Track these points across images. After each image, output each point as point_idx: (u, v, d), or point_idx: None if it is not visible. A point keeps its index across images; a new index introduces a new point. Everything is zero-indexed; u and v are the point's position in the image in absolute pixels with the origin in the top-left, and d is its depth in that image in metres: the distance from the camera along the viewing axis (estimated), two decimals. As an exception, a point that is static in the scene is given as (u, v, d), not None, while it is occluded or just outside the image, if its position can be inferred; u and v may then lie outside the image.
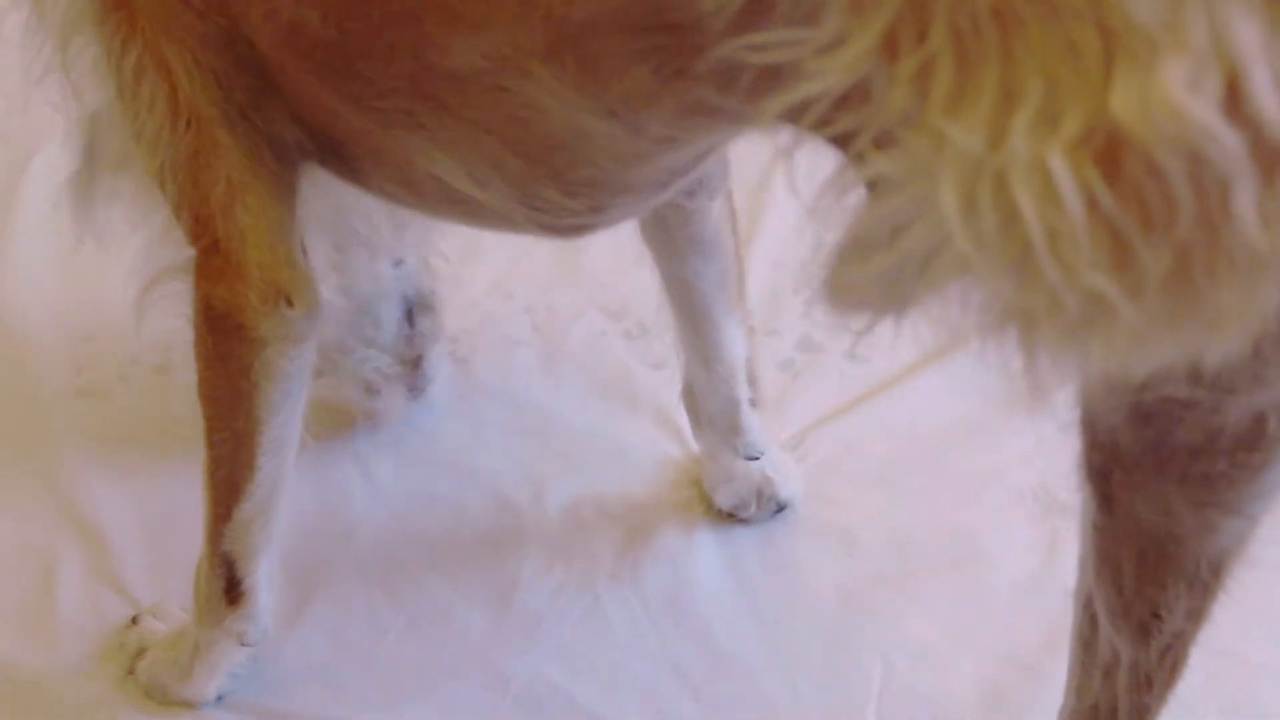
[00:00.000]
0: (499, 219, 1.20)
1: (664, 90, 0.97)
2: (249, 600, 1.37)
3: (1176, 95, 0.63)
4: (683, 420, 1.63)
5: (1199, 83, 0.63)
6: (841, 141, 0.81)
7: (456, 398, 1.76)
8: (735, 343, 1.51)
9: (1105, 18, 0.64)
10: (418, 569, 1.55)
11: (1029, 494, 1.56)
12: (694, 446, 1.63)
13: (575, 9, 0.95)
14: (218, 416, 1.28)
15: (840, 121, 0.75)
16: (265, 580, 1.37)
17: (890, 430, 1.69)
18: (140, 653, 1.45)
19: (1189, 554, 0.97)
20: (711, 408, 1.55)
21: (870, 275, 0.73)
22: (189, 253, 1.24)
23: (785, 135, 0.88)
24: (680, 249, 1.45)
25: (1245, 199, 0.64)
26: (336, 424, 1.67)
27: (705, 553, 1.56)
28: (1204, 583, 0.99)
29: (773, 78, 0.78)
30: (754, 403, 1.55)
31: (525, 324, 1.86)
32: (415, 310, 1.68)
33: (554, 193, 1.13)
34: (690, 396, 1.56)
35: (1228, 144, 0.63)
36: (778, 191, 1.95)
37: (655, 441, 1.69)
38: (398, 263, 1.62)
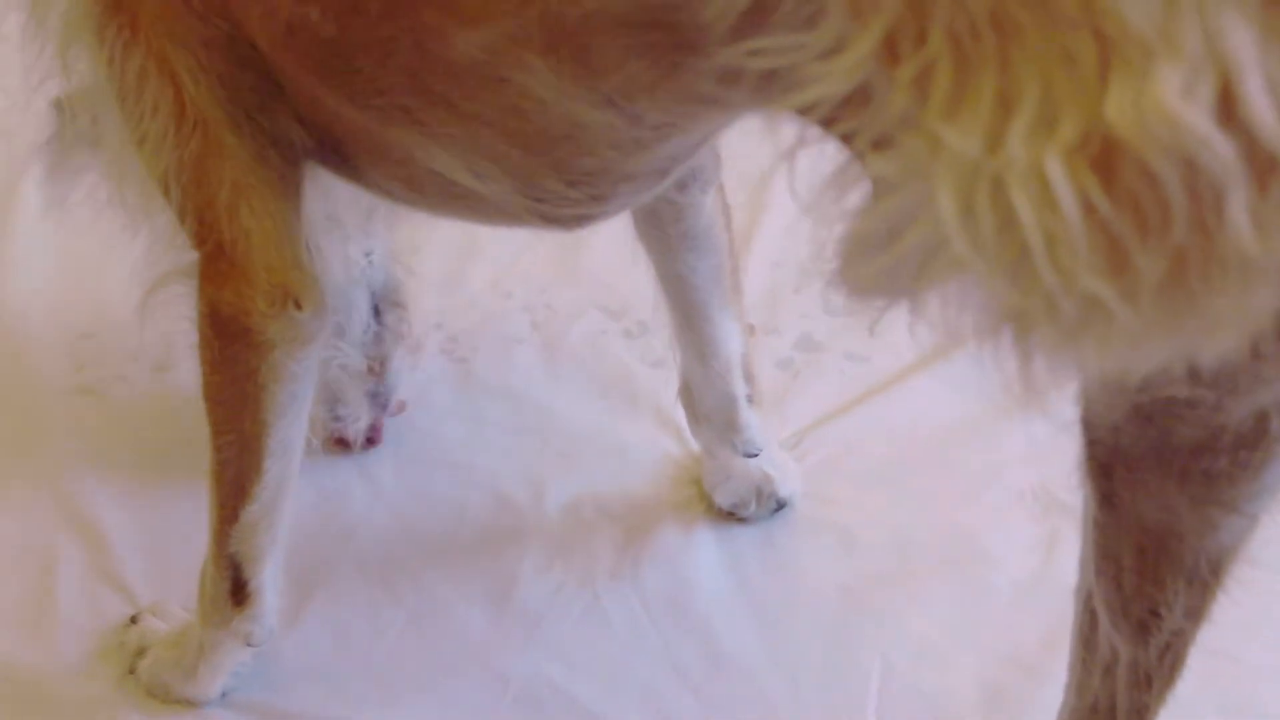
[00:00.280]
0: (500, 212, 1.20)
1: (661, 82, 0.98)
2: (255, 601, 1.36)
3: (1171, 102, 0.63)
4: (682, 419, 1.63)
5: (1193, 89, 0.63)
6: (846, 139, 0.82)
7: (456, 396, 1.76)
8: (731, 338, 1.51)
9: (1101, 25, 0.65)
10: (417, 568, 1.55)
11: (1029, 493, 1.56)
12: (694, 445, 1.63)
13: (574, 5, 0.95)
14: (224, 419, 1.28)
15: (843, 121, 0.76)
16: (271, 581, 1.36)
17: (890, 429, 1.69)
18: (141, 652, 1.44)
19: (1189, 552, 0.97)
20: (708, 404, 1.54)
21: (874, 271, 0.74)
22: (192, 256, 1.24)
23: (790, 130, 0.89)
24: (674, 244, 1.45)
25: (1238, 204, 0.64)
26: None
27: (705, 552, 1.56)
28: (1203, 581, 0.99)
29: (776, 76, 0.79)
30: (751, 399, 1.55)
31: (525, 322, 1.86)
32: (381, 305, 1.66)
33: (555, 183, 1.14)
34: (687, 393, 1.56)
35: (1221, 150, 0.64)
36: (777, 190, 1.94)
37: (655, 440, 1.69)
38: (367, 254, 1.61)
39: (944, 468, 1.64)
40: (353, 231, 1.55)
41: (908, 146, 0.71)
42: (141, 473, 1.65)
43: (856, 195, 0.80)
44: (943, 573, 1.53)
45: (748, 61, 0.79)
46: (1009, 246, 0.67)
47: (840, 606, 1.50)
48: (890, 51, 0.70)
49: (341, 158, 1.22)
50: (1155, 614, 1.01)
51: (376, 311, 1.66)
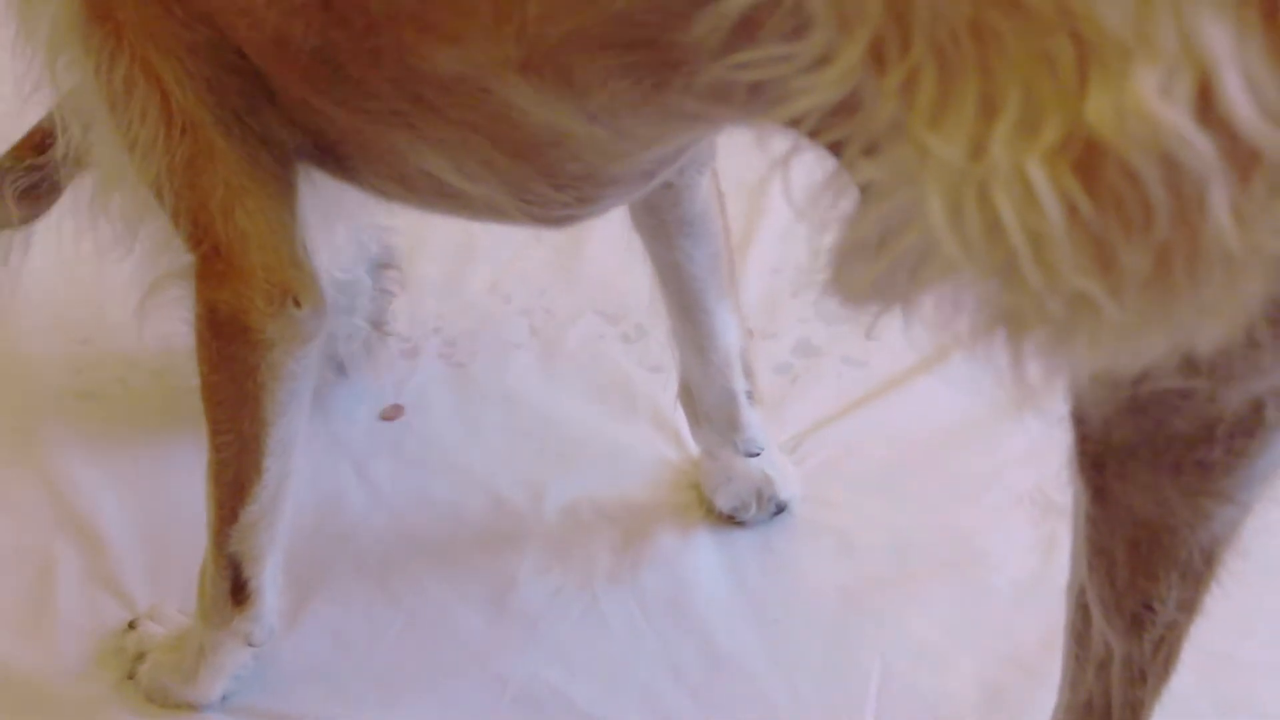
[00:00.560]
0: (491, 211, 1.21)
1: (646, 101, 1.00)
2: (256, 601, 1.37)
3: (1149, 102, 0.64)
4: (680, 423, 1.63)
5: (1171, 88, 0.64)
6: (835, 148, 0.83)
7: (454, 400, 1.76)
8: (729, 331, 1.51)
9: (1078, 28, 0.66)
10: (415, 570, 1.55)
11: (1027, 495, 1.56)
12: (692, 449, 1.63)
13: (552, 26, 0.97)
14: (223, 419, 1.28)
15: (833, 130, 0.77)
16: (271, 580, 1.37)
17: (888, 433, 1.69)
18: (140, 656, 1.44)
19: (1181, 544, 0.98)
20: (709, 403, 1.54)
21: (867, 276, 0.75)
22: (187, 259, 1.24)
23: (782, 141, 0.90)
24: (669, 230, 1.45)
25: (1219, 200, 0.65)
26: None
27: (703, 554, 1.56)
28: (1196, 573, 1.00)
29: (763, 90, 0.80)
30: (751, 396, 1.54)
31: (523, 326, 1.86)
32: (374, 272, 1.69)
33: (543, 187, 1.15)
34: (686, 394, 1.56)
35: (1200, 148, 0.64)
36: (775, 195, 1.95)
37: (653, 443, 1.69)
38: (360, 234, 1.64)
39: (942, 470, 1.64)
40: (348, 218, 1.56)
41: (896, 154, 0.72)
42: (139, 476, 1.65)
43: (848, 202, 0.82)
44: (942, 575, 1.53)
45: (736, 75, 0.80)
46: (997, 249, 0.68)
47: (839, 608, 1.50)
48: (877, 60, 0.71)
49: (334, 158, 1.23)
50: (1149, 608, 1.02)
51: (373, 274, 1.70)
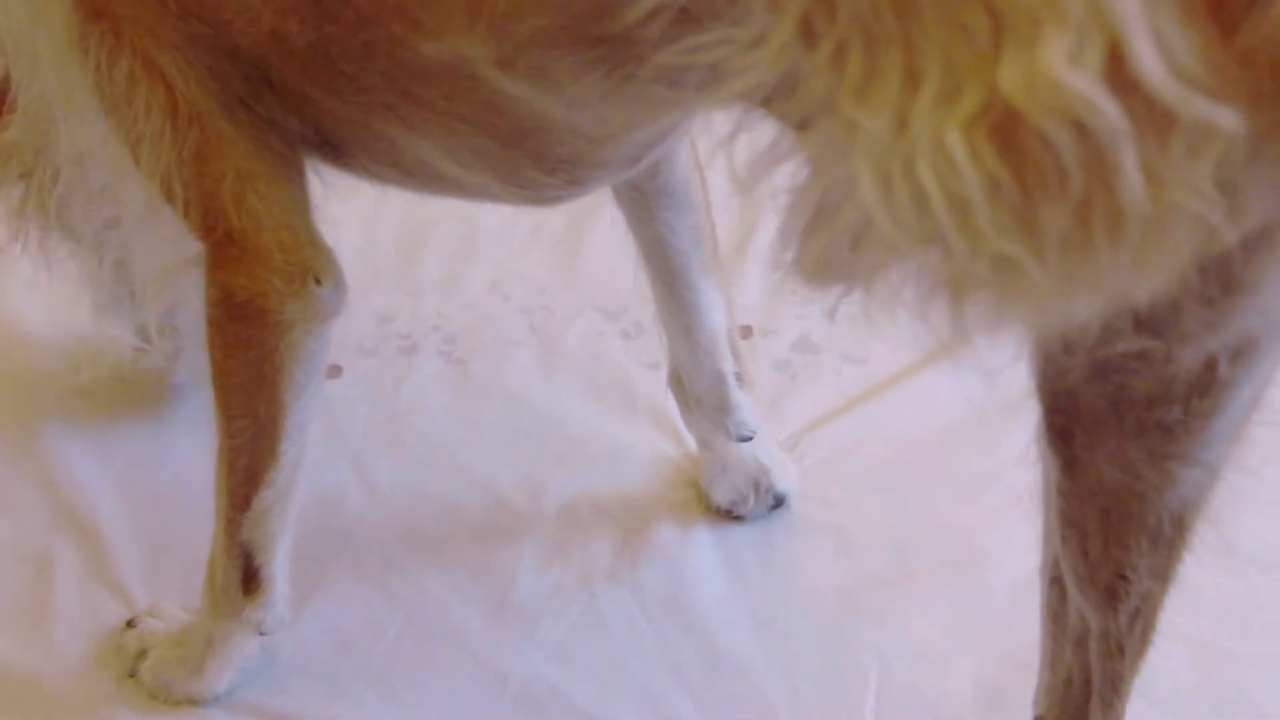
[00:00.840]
0: (485, 194, 1.24)
1: (617, 91, 1.02)
2: (267, 589, 1.36)
3: (1057, 69, 0.66)
4: (680, 420, 1.63)
5: (1080, 55, 0.66)
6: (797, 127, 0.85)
7: (453, 398, 1.76)
8: (714, 309, 1.51)
9: None
10: (415, 568, 1.55)
11: (1026, 494, 1.55)
12: (691, 446, 1.63)
13: (519, 24, 0.99)
14: (238, 404, 1.28)
15: (778, 107, 0.81)
16: (281, 568, 1.36)
17: (887, 431, 1.69)
18: (141, 654, 1.44)
19: (1150, 510, 0.99)
20: (699, 387, 1.54)
21: (814, 252, 0.78)
22: (197, 247, 1.24)
23: (731, 115, 0.92)
24: (651, 202, 1.45)
25: (1130, 161, 0.67)
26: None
27: (703, 552, 1.56)
28: (1168, 539, 1.00)
29: (715, 71, 0.83)
30: (740, 378, 1.54)
31: (522, 324, 1.86)
32: None
33: (534, 172, 1.18)
34: (676, 380, 1.56)
35: (1108, 112, 0.66)
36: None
37: (652, 441, 1.69)
38: None
39: (942, 469, 1.64)
40: None
41: (828, 129, 0.74)
42: (138, 474, 1.65)
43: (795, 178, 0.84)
44: (941, 574, 1.53)
45: (685, 59, 0.83)
46: (925, 219, 0.70)
47: (838, 607, 1.50)
48: (809, 36, 0.74)
49: (332, 146, 1.24)
50: (1123, 577, 1.02)
51: None
